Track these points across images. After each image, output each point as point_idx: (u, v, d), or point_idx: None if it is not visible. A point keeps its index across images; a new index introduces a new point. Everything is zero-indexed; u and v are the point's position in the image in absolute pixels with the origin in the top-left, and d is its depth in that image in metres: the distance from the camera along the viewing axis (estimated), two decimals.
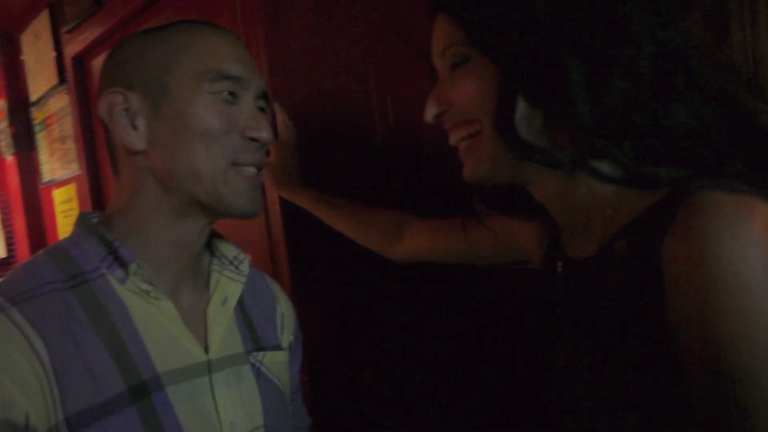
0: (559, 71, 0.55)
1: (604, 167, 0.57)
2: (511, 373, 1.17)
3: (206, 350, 0.70)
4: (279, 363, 0.80)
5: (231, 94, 0.69)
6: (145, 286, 0.66)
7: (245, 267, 0.78)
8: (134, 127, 0.68)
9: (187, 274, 0.72)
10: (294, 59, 1.14)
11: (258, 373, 0.75)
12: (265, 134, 0.70)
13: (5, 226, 2.48)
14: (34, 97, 2.11)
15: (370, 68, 1.26)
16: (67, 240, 0.70)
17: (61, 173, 2.01)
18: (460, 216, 0.87)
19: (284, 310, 0.86)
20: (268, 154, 1.03)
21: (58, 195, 2.06)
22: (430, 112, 0.64)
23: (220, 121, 0.68)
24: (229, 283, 0.76)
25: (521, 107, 0.58)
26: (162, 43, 0.69)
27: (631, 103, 0.55)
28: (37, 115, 2.13)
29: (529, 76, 0.57)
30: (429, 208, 1.07)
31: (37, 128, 2.15)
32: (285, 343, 0.83)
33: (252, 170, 0.70)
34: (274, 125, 1.09)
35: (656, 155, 0.56)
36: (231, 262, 0.78)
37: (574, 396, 0.62)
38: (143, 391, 0.63)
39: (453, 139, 0.63)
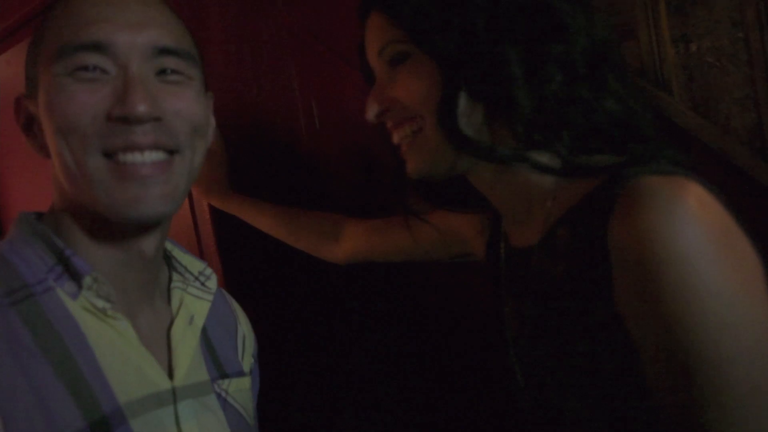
0: (498, 66, 0.57)
1: (543, 158, 0.60)
2: (463, 368, 1.20)
3: (170, 376, 0.62)
4: (244, 391, 0.73)
5: (86, 69, 0.55)
6: (101, 304, 0.57)
7: (212, 284, 0.70)
8: (33, 134, 0.60)
9: (144, 292, 0.64)
10: (215, 68, 1.11)
11: (224, 404, 0.67)
12: (131, 108, 0.54)
13: None
14: None
15: (293, 72, 1.25)
16: (4, 245, 0.59)
17: None
18: (395, 213, 0.89)
19: (245, 331, 0.78)
20: None
21: None
22: (371, 111, 0.64)
23: (77, 105, 0.55)
24: (194, 302, 0.68)
25: (462, 102, 0.59)
26: (44, 23, 0.59)
27: (567, 96, 0.58)
28: None
29: (470, 72, 0.59)
30: (361, 207, 1.08)
31: None
32: (246, 368, 0.75)
33: (137, 156, 0.56)
34: None
35: (591, 145, 0.60)
36: (196, 278, 0.70)
37: (528, 384, 0.66)
38: (105, 427, 0.54)
39: (396, 138, 0.64)
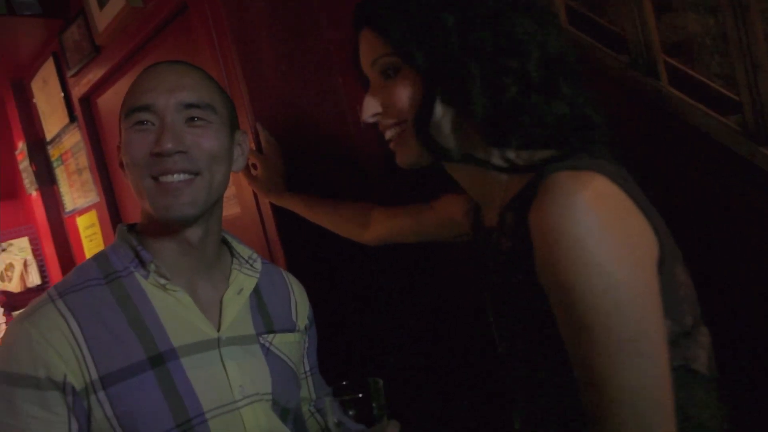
0: (463, 77, 0.69)
1: (496, 157, 0.73)
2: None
3: (219, 329, 0.85)
4: (289, 343, 0.94)
5: (140, 123, 0.81)
6: (162, 281, 0.83)
7: (258, 265, 0.94)
8: (124, 170, 0.86)
9: (202, 273, 0.88)
10: (269, 83, 1.32)
11: (267, 352, 0.89)
12: (167, 145, 0.79)
13: (36, 256, 2.71)
14: (49, 136, 2.32)
15: (339, 82, 1.43)
16: (109, 246, 0.89)
17: (81, 202, 2.22)
18: (421, 200, 1.05)
19: (297, 298, 1.00)
20: (255, 167, 1.22)
21: (82, 222, 2.27)
22: (367, 114, 0.77)
23: (134, 148, 0.81)
24: (245, 279, 0.91)
25: (438, 109, 0.72)
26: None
27: (521, 102, 0.69)
28: (53, 152, 2.35)
29: (442, 83, 0.71)
30: (396, 196, 1.25)
31: (54, 164, 2.36)
32: (301, 326, 0.98)
33: (168, 177, 0.80)
34: (258, 143, 1.28)
35: (541, 141, 0.71)
36: (247, 261, 0.93)
37: (504, 350, 0.79)
38: (159, 360, 0.79)
39: (387, 135, 0.78)
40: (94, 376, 0.77)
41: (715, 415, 0.69)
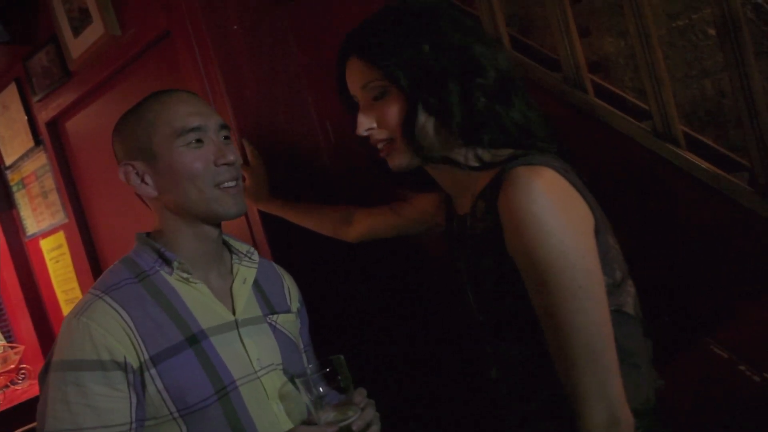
0: (443, 94, 0.85)
1: (470, 156, 0.90)
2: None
3: (234, 313, 1.00)
4: (290, 322, 1.09)
5: (197, 141, 0.97)
6: (185, 275, 0.98)
7: (256, 257, 1.09)
8: (146, 183, 0.99)
9: (213, 266, 1.03)
10: (251, 102, 1.47)
11: (274, 329, 1.05)
12: (231, 157, 0.97)
13: None
14: (8, 161, 2.34)
15: (310, 100, 1.60)
16: (132, 252, 1.02)
17: (46, 224, 2.25)
18: (392, 200, 1.22)
19: (289, 285, 1.16)
20: (244, 178, 1.37)
21: (46, 244, 2.30)
22: (361, 129, 0.92)
23: (197, 162, 0.96)
24: (246, 270, 1.06)
25: (421, 118, 0.87)
26: (140, 121, 0.98)
27: (487, 111, 0.86)
28: (13, 177, 2.36)
29: (425, 98, 0.86)
30: (368, 198, 1.42)
31: (14, 188, 2.38)
32: (294, 308, 1.13)
33: (231, 183, 0.98)
34: (244, 156, 1.42)
35: (498, 142, 0.89)
36: (245, 255, 1.07)
37: (482, 318, 0.95)
38: (195, 339, 0.94)
39: (379, 146, 0.93)
40: (146, 356, 0.90)
41: (641, 346, 0.89)
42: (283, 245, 1.44)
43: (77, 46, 1.78)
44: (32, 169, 2.24)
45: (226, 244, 1.08)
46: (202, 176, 0.96)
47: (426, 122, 0.89)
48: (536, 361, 0.86)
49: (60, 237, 2.20)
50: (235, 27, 1.48)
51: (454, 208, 1.01)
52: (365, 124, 0.92)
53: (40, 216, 2.28)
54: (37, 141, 2.14)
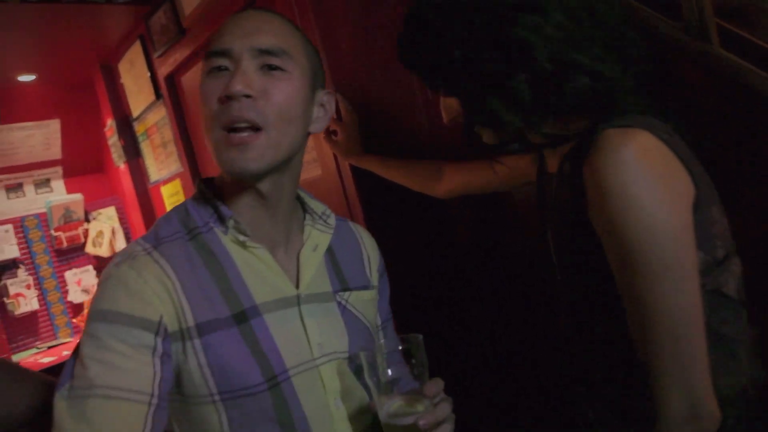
0: (484, 106, 0.81)
1: (536, 137, 0.84)
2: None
3: (297, 287, 0.84)
4: (364, 301, 0.92)
5: (218, 68, 0.76)
6: (241, 237, 0.81)
7: (332, 221, 0.92)
8: None
9: (278, 228, 0.85)
10: (346, 58, 1.46)
11: (343, 310, 0.88)
12: (231, 89, 0.73)
13: (122, 223, 2.98)
14: (135, 113, 2.54)
15: (416, 84, 1.54)
16: (188, 200, 0.86)
17: (166, 172, 2.44)
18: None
19: (369, 252, 0.98)
20: (336, 132, 1.36)
21: (166, 190, 2.50)
22: (445, 120, 0.92)
23: (208, 93, 0.75)
24: (319, 235, 0.89)
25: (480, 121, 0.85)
26: None
27: (537, 98, 0.77)
28: (139, 128, 2.57)
29: (469, 112, 0.85)
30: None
31: (140, 138, 2.59)
32: (374, 281, 0.95)
33: (240, 125, 0.74)
34: (338, 110, 1.42)
35: (574, 113, 0.80)
36: (320, 217, 0.91)
37: (561, 279, 0.91)
38: (243, 317, 0.78)
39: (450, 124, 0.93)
40: (191, 322, 0.75)
41: (742, 333, 0.79)
42: (377, 203, 1.44)
43: (189, 2, 1.86)
44: (154, 121, 2.41)
45: (301, 201, 0.92)
46: (209, 115, 0.77)
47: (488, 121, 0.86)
48: (618, 342, 0.80)
49: (177, 184, 2.38)
50: None
51: (545, 165, 0.95)
52: (445, 116, 0.93)
53: (161, 164, 2.47)
54: (158, 95, 2.29)
